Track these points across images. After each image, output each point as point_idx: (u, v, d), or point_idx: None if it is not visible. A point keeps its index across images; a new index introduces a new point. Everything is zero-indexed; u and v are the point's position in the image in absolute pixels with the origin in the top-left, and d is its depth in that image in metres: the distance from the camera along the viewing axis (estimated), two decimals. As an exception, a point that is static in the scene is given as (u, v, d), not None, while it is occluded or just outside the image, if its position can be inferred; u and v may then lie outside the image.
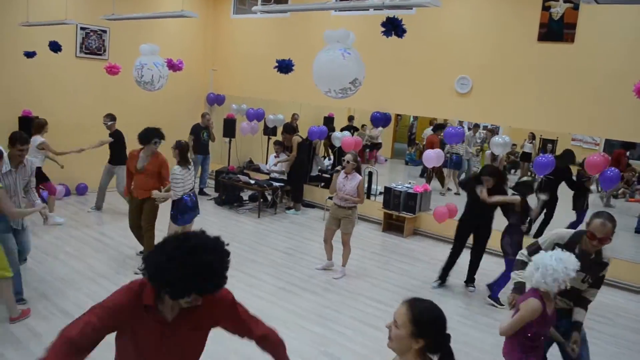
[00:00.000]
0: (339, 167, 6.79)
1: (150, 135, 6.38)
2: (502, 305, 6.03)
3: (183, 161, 6.17)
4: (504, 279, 6.04)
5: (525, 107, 7.59)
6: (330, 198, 6.78)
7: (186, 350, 2.23)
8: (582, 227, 3.71)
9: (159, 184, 6.39)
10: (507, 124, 8.24)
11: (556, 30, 7.28)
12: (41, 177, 7.57)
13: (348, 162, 6.53)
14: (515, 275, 3.69)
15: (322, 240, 6.98)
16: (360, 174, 6.66)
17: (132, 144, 7.16)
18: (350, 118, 10.94)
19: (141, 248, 6.80)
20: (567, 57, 7.18)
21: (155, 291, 2.05)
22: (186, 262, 1.92)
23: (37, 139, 7.54)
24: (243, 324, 2.37)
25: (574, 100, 7.16)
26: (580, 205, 8.05)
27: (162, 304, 2.10)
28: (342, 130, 10.26)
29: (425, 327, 2.03)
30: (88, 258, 6.72)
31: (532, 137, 10.21)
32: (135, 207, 6.60)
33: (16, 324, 4.84)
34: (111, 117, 8.67)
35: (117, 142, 8.59)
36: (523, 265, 3.57)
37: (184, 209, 6.18)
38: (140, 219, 6.54)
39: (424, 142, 11.40)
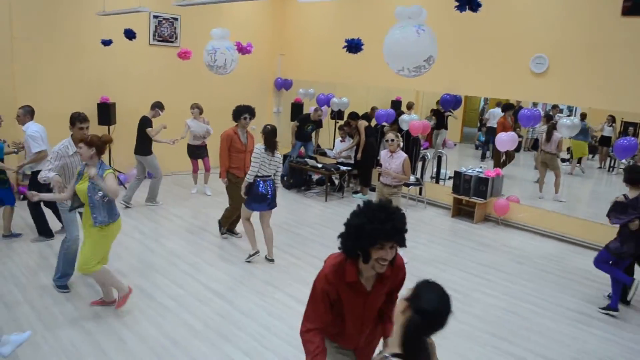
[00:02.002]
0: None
1: (240, 111, 6.61)
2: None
3: (267, 146, 6.01)
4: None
5: (607, 87, 7.14)
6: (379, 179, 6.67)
7: (377, 307, 2.78)
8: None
9: None
10: (586, 105, 7.81)
11: (642, 3, 6.79)
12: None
13: (393, 140, 6.51)
14: None
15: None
16: (403, 151, 6.65)
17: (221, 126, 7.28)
18: (410, 105, 10.68)
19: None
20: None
21: (355, 269, 2.55)
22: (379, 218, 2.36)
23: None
24: (397, 292, 2.79)
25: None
26: None
27: (362, 277, 2.59)
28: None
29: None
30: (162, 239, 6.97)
31: (612, 120, 9.67)
32: (239, 185, 6.45)
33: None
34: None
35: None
36: None
37: (254, 196, 6.06)
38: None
39: (488, 124, 11.06)
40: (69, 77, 8.99)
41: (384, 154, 6.68)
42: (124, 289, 4.89)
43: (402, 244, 2.43)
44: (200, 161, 9.31)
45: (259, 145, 6.01)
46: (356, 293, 2.62)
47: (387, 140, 6.57)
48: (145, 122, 8.22)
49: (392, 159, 6.55)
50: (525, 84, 7.95)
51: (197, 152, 9.18)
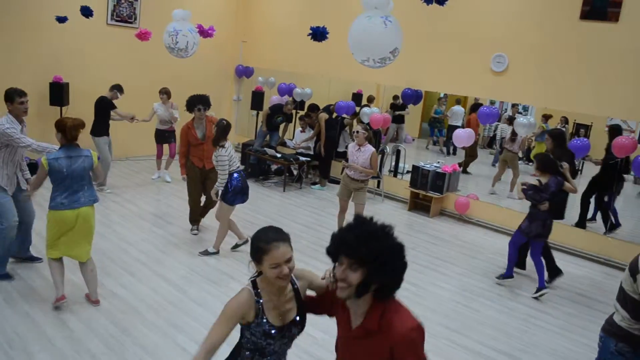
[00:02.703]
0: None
1: (193, 102, 6.43)
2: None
3: (216, 140, 5.81)
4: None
5: (564, 88, 7.33)
6: (346, 173, 6.64)
7: None
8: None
9: None
10: (542, 105, 7.99)
11: (600, 8, 6.97)
12: None
13: (358, 132, 6.40)
14: None
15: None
16: (372, 145, 6.56)
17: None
18: (371, 99, 10.71)
19: (189, 226, 6.91)
20: (611, 37, 6.89)
21: None
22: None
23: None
24: None
25: (615, 82, 6.89)
26: None
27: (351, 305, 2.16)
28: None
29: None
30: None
31: (565, 121, 9.91)
32: (198, 178, 6.57)
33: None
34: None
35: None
36: None
37: (236, 191, 5.91)
38: (204, 190, 6.61)
39: (450, 122, 11.22)
40: (19, 54, 8.57)
41: (351, 147, 6.54)
42: (58, 293, 4.57)
43: (334, 258, 2.08)
44: (166, 146, 9.11)
45: (223, 150, 5.73)
46: (341, 321, 2.24)
47: (355, 132, 6.46)
48: (106, 104, 8.02)
49: (359, 153, 6.38)
50: (485, 82, 8.07)
51: (163, 136, 9.02)
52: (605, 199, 7.57)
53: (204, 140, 6.47)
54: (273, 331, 2.32)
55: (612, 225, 7.46)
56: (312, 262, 6.17)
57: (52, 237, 4.53)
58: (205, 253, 6.15)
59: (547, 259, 6.14)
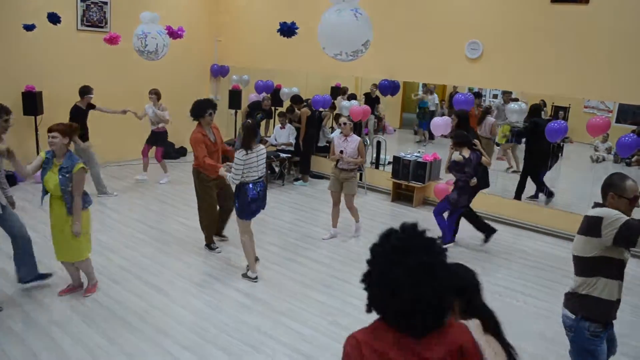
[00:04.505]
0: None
1: (203, 107, 5.98)
2: None
3: (245, 145, 5.21)
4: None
5: (538, 72, 7.37)
6: (336, 165, 6.68)
7: None
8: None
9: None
10: (519, 89, 8.04)
11: (570, -10, 7.02)
12: None
13: (345, 123, 6.55)
14: None
15: (329, 212, 6.98)
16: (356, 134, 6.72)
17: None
18: (345, 90, 10.71)
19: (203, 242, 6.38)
20: (582, 19, 6.94)
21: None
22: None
23: None
24: None
25: (588, 64, 6.94)
26: None
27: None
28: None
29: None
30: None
31: (543, 104, 9.99)
32: (213, 190, 6.09)
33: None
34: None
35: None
36: None
37: (246, 204, 5.32)
38: (224, 201, 6.26)
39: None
40: (-11, 65, 8.44)
41: (336, 138, 6.70)
42: (93, 279, 5.14)
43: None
44: (154, 149, 9.09)
45: (238, 154, 5.17)
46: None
47: (341, 124, 6.65)
48: (76, 112, 7.90)
49: (346, 143, 6.57)
50: (461, 69, 8.09)
51: (152, 138, 9.01)
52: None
53: (216, 145, 6.09)
54: None
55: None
56: (299, 259, 6.17)
57: (87, 236, 4.86)
58: (245, 277, 5.61)
59: (475, 222, 6.91)
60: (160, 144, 9.08)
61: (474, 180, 6.28)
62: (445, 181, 8.35)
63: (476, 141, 6.36)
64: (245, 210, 5.33)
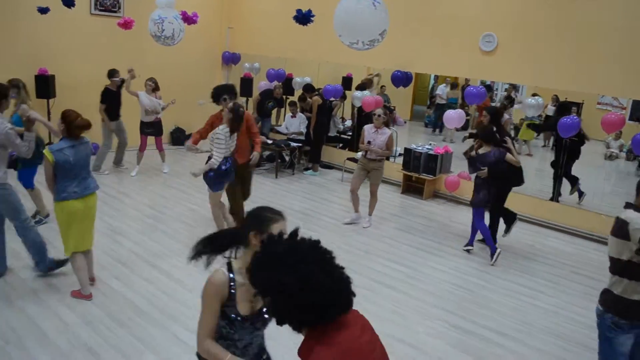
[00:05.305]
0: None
1: (219, 93, 6.08)
2: None
3: (232, 128, 5.57)
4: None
5: (553, 67, 7.29)
6: (350, 159, 6.70)
7: None
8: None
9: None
10: (533, 84, 7.96)
11: (590, -17, 6.91)
12: None
13: (379, 115, 6.67)
14: None
15: (339, 202, 6.98)
16: (389, 128, 6.82)
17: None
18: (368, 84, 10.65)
19: None
20: (599, 15, 6.84)
21: None
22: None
23: None
24: None
25: (604, 60, 6.84)
26: None
27: None
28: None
29: None
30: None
31: (556, 99, 9.92)
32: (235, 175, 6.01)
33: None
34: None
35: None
36: None
37: (218, 176, 5.67)
38: (243, 190, 6.28)
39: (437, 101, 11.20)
40: (2, 47, 8.45)
41: (368, 129, 6.82)
42: (86, 292, 4.67)
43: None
44: (153, 140, 8.91)
45: (222, 127, 5.52)
46: None
47: (376, 115, 6.73)
48: (107, 94, 8.37)
49: (377, 135, 6.70)
50: (475, 62, 8.02)
51: (148, 129, 8.71)
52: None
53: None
54: (239, 318, 2.30)
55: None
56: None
57: (65, 231, 4.51)
58: None
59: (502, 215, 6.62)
60: (160, 133, 8.88)
61: (484, 171, 6.06)
62: (457, 173, 8.33)
63: (507, 139, 6.25)
64: (217, 183, 5.72)
